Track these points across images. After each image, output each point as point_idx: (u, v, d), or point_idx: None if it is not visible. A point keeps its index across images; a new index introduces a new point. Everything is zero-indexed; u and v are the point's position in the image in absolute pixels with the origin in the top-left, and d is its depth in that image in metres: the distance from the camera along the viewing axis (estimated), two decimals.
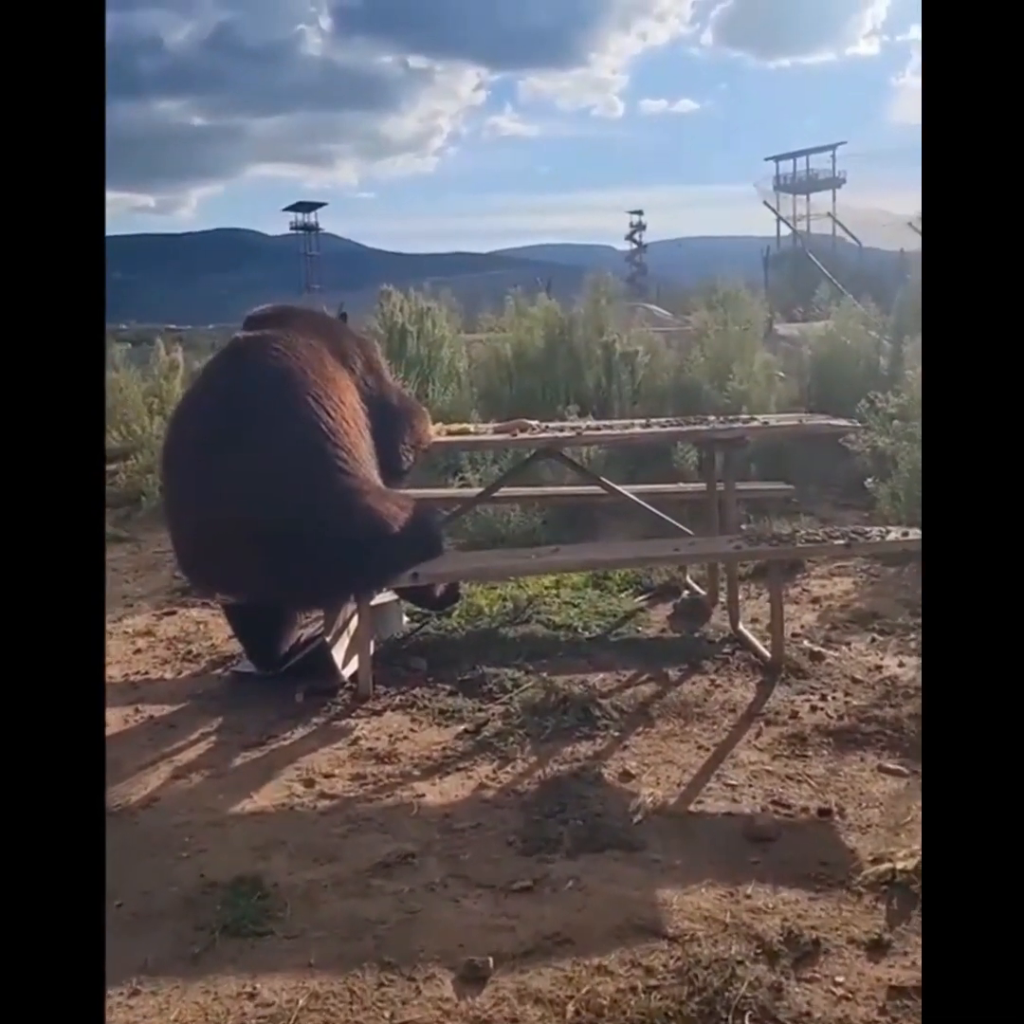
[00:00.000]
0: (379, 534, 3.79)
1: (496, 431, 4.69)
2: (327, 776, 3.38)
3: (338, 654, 4.05)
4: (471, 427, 4.83)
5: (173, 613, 5.16)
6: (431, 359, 9.05)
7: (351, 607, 4.11)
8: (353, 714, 3.88)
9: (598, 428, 4.69)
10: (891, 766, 3.29)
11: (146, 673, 4.42)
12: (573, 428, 4.69)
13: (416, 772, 3.38)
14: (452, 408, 8.15)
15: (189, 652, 4.64)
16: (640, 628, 4.74)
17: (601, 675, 4.15)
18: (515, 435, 4.55)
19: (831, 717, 3.68)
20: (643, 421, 4.82)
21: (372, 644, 4.30)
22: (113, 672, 4.42)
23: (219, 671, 4.39)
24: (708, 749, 3.47)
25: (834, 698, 3.85)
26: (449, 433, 4.72)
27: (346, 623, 4.16)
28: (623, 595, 5.17)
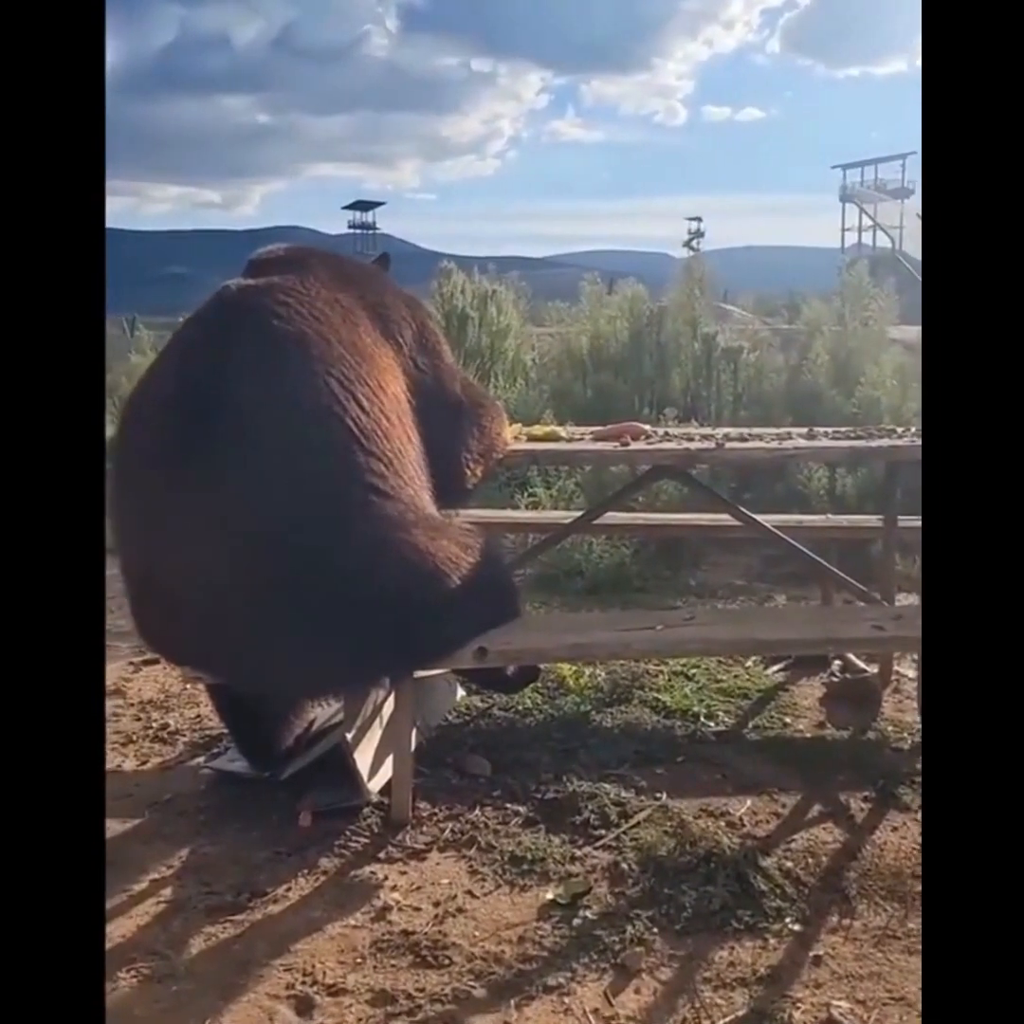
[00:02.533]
0: (429, 589, 2.48)
1: (597, 438, 3.35)
2: (333, 991, 2.08)
3: (364, 757, 2.74)
4: (562, 431, 3.49)
5: (155, 662, 3.87)
6: (494, 350, 7.77)
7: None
8: (382, 854, 2.58)
9: (739, 438, 3.34)
10: None
11: None
12: (706, 437, 3.34)
13: (478, 989, 2.07)
14: (518, 408, 6.84)
15: (164, 727, 3.37)
16: (787, 719, 3.39)
17: (748, 802, 2.81)
18: (625, 444, 3.22)
19: None
20: (804, 431, 3.46)
21: (414, 737, 3.00)
22: None
23: (200, 761, 3.11)
24: None
25: None
26: (532, 438, 3.38)
27: (377, 708, 2.85)
28: (751, 664, 3.83)
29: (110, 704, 3.56)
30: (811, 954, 2.18)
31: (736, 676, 3.72)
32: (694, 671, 3.73)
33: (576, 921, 2.28)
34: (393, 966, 2.15)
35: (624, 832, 2.64)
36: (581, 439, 3.38)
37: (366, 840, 2.64)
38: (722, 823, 2.68)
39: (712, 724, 3.34)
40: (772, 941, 2.22)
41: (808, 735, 3.28)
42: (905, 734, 3.21)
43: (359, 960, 2.17)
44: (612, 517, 3.76)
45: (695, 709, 3.41)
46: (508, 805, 2.80)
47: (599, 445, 3.27)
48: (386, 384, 2.62)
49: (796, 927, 2.26)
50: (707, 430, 3.62)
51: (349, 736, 2.68)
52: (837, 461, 4.71)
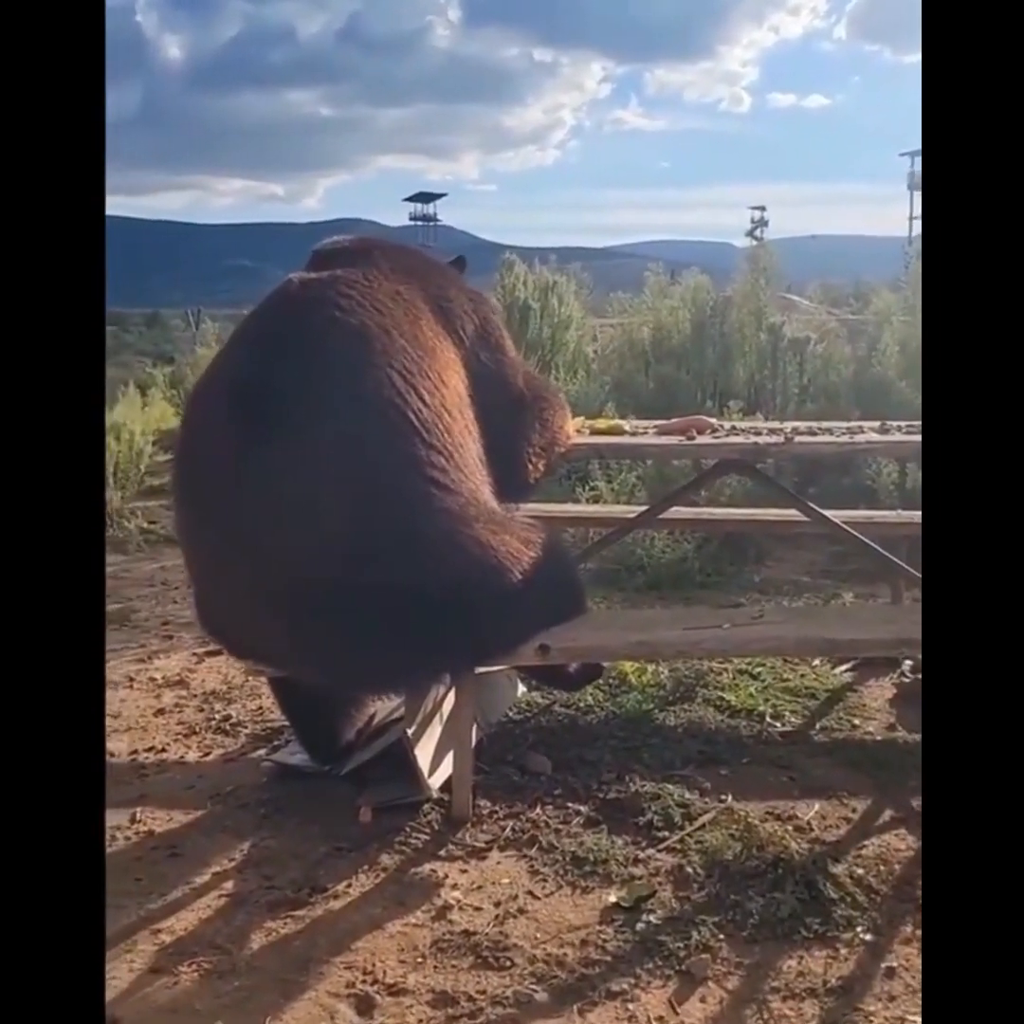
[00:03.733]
0: (491, 584, 2.44)
1: (661, 432, 3.29)
2: (393, 991, 2.05)
3: (424, 752, 2.72)
4: (625, 425, 3.43)
5: (218, 654, 3.88)
6: (556, 342, 7.72)
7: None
8: (443, 852, 2.55)
9: (807, 432, 3.25)
10: None
11: (163, 750, 3.17)
12: (774, 430, 3.27)
13: (540, 992, 2.04)
14: (579, 400, 6.78)
15: (227, 718, 3.37)
16: (856, 721, 3.31)
17: (816, 806, 2.74)
18: (691, 438, 3.15)
19: None
20: (877, 425, 3.36)
21: (474, 734, 2.97)
22: (119, 744, 3.18)
23: (261, 753, 3.10)
24: None
25: None
26: (595, 431, 3.33)
27: (437, 704, 2.82)
28: (818, 663, 3.74)
29: (173, 695, 3.58)
30: (884, 965, 2.11)
31: (803, 675, 3.64)
32: (759, 669, 3.65)
33: (639, 925, 2.24)
34: (454, 967, 2.12)
35: (688, 834, 2.59)
36: (644, 433, 3.32)
37: (426, 837, 2.62)
38: (790, 827, 2.62)
39: (778, 724, 3.26)
40: (843, 951, 2.15)
41: (878, 737, 3.19)
42: None
43: (420, 960, 2.14)
44: (675, 512, 3.69)
45: (761, 709, 3.34)
46: (569, 804, 2.76)
47: (664, 439, 3.21)
48: (447, 378, 2.58)
49: (868, 937, 2.19)
50: (774, 424, 3.54)
51: (410, 731, 2.66)
52: (911, 457, 4.59)
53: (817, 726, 3.26)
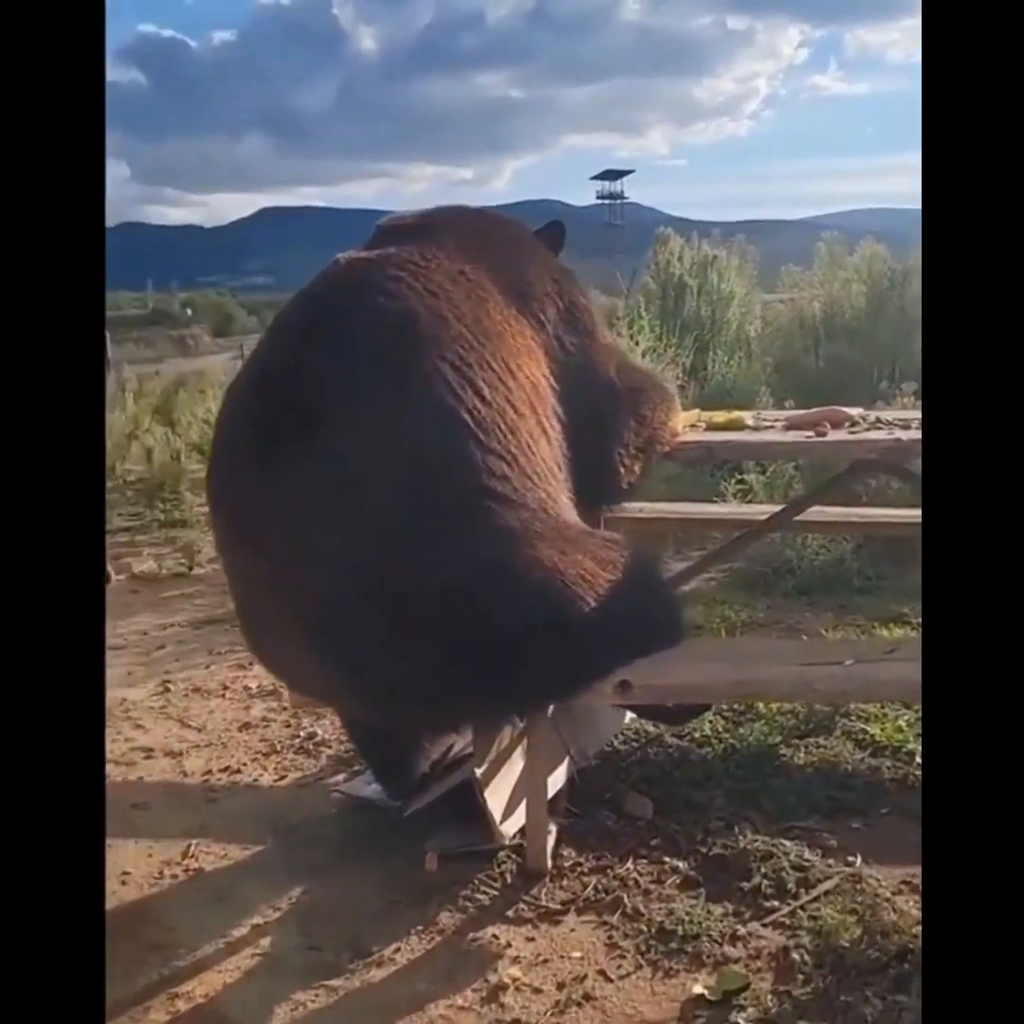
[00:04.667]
0: (559, 612, 2.09)
1: (791, 425, 2.84)
2: None
3: (497, 794, 2.40)
4: (748, 417, 3.00)
5: None
6: (714, 321, 7.23)
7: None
8: (511, 912, 2.23)
9: None
10: None
11: (238, 771, 2.95)
12: (899, 423, 2.77)
13: None
14: (736, 384, 6.32)
15: (311, 736, 3.14)
16: None
17: None
18: (821, 434, 2.70)
19: None
20: None
21: (567, 762, 2.64)
22: (196, 763, 2.99)
23: (335, 780, 2.85)
24: None
25: None
26: (712, 426, 2.91)
27: (516, 740, 2.49)
28: None
29: (263, 707, 3.38)
30: None
31: None
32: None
33: None
34: None
35: (801, 907, 2.18)
36: (771, 427, 2.88)
37: (496, 892, 2.30)
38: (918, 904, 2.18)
39: None
40: None
41: None
42: None
43: None
44: (817, 513, 3.24)
45: (911, 746, 2.86)
46: (666, 859, 2.39)
47: (790, 435, 2.76)
48: (518, 367, 2.23)
49: None
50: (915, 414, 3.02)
51: (479, 772, 2.34)
52: None
53: None
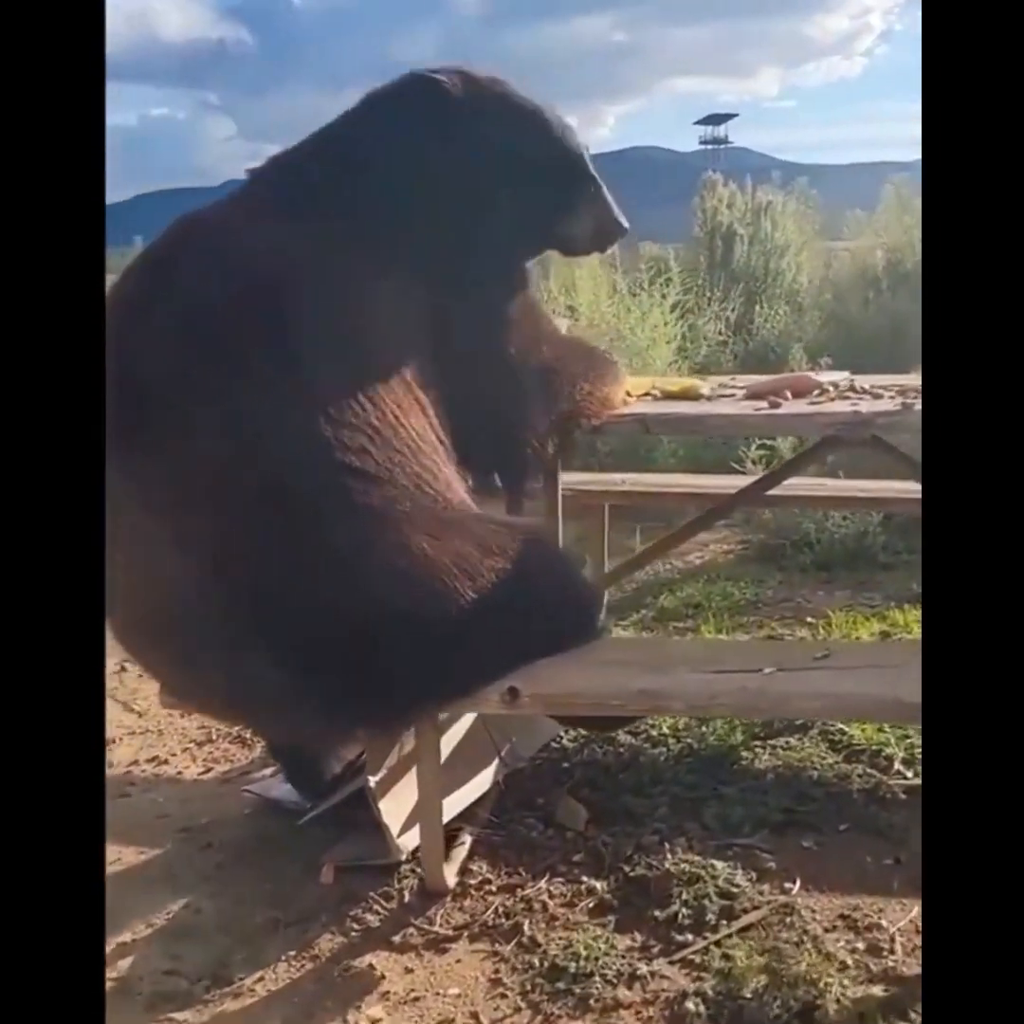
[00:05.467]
0: (429, 604, 1.85)
1: (752, 393, 2.53)
2: None
3: (399, 805, 2.19)
4: (704, 386, 2.68)
5: None
6: (767, 272, 6.82)
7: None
8: (398, 937, 2.03)
9: None
10: None
11: (165, 762, 2.80)
12: (901, 390, 2.44)
13: None
14: (781, 340, 5.95)
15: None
16: None
17: (915, 910, 2.01)
18: (775, 406, 2.39)
19: None
20: None
21: (496, 764, 2.44)
22: (123, 753, 2.85)
23: (256, 777, 2.68)
24: None
25: None
26: (667, 395, 2.61)
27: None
28: None
29: None
30: None
31: None
32: None
33: None
34: None
35: (716, 943, 1.94)
36: (731, 396, 2.58)
37: (387, 913, 2.10)
38: (859, 945, 1.91)
39: (909, 775, 2.49)
40: None
41: None
42: None
43: None
44: (795, 487, 2.93)
45: (890, 750, 2.57)
46: (585, 879, 2.16)
47: (740, 407, 2.45)
48: (381, 334, 1.98)
49: None
50: (901, 380, 2.65)
51: (374, 780, 2.13)
52: None
53: None
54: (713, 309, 6.16)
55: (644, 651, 2.19)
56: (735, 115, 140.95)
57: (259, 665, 1.84)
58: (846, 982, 1.77)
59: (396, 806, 2.18)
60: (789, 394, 2.44)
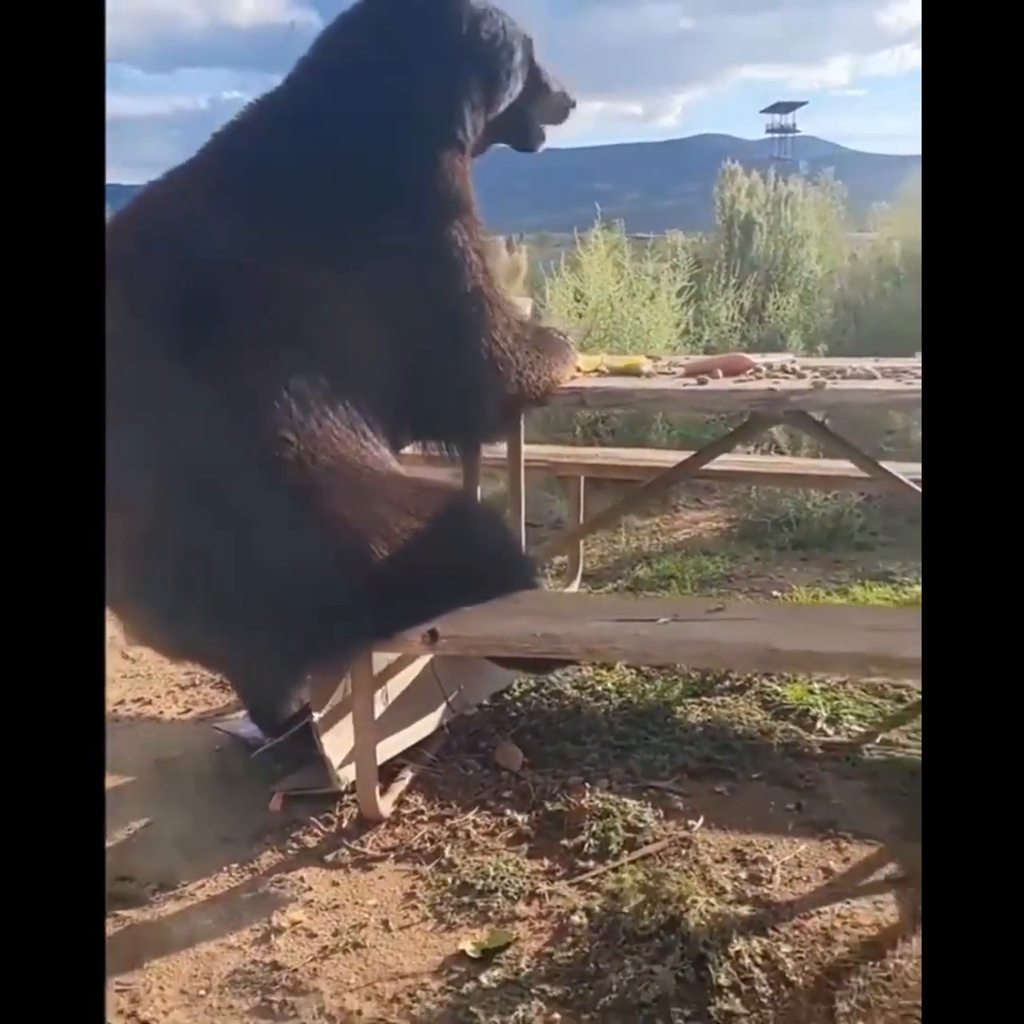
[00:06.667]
0: (357, 565, 2.06)
1: (689, 372, 2.70)
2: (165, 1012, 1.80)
3: (341, 740, 2.40)
4: (646, 363, 2.86)
5: None
6: (786, 262, 6.93)
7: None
8: (330, 857, 2.25)
9: (868, 373, 2.55)
10: None
11: (149, 702, 3.05)
12: (830, 371, 2.59)
13: None
14: (791, 327, 6.06)
15: None
16: None
17: (802, 847, 2.18)
18: (702, 383, 2.55)
19: None
20: None
21: (442, 709, 2.64)
22: (112, 693, 3.09)
23: (230, 717, 2.91)
24: None
25: None
26: (609, 372, 2.79)
27: (382, 677, 2.48)
28: None
29: None
30: None
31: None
32: None
33: (469, 985, 1.83)
34: (228, 1010, 1.82)
35: (614, 869, 2.13)
36: (670, 373, 2.75)
37: (325, 836, 2.32)
38: (742, 874, 2.09)
39: (830, 732, 2.66)
40: None
41: None
42: None
43: (200, 993, 1.86)
44: (726, 463, 3.11)
45: (817, 711, 2.74)
46: (508, 812, 2.36)
47: (672, 383, 2.62)
48: (317, 320, 2.17)
49: None
50: (857, 363, 2.79)
51: (317, 717, 2.35)
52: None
53: (880, 739, 2.63)
54: (729, 295, 6.29)
55: (563, 603, 2.39)
56: (803, 103, 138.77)
57: (206, 618, 2.07)
58: (713, 901, 1.96)
59: (338, 741, 2.39)
60: (720, 372, 2.61)
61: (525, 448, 3.19)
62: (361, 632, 2.13)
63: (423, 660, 2.64)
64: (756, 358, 2.77)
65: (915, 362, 2.70)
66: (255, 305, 2.11)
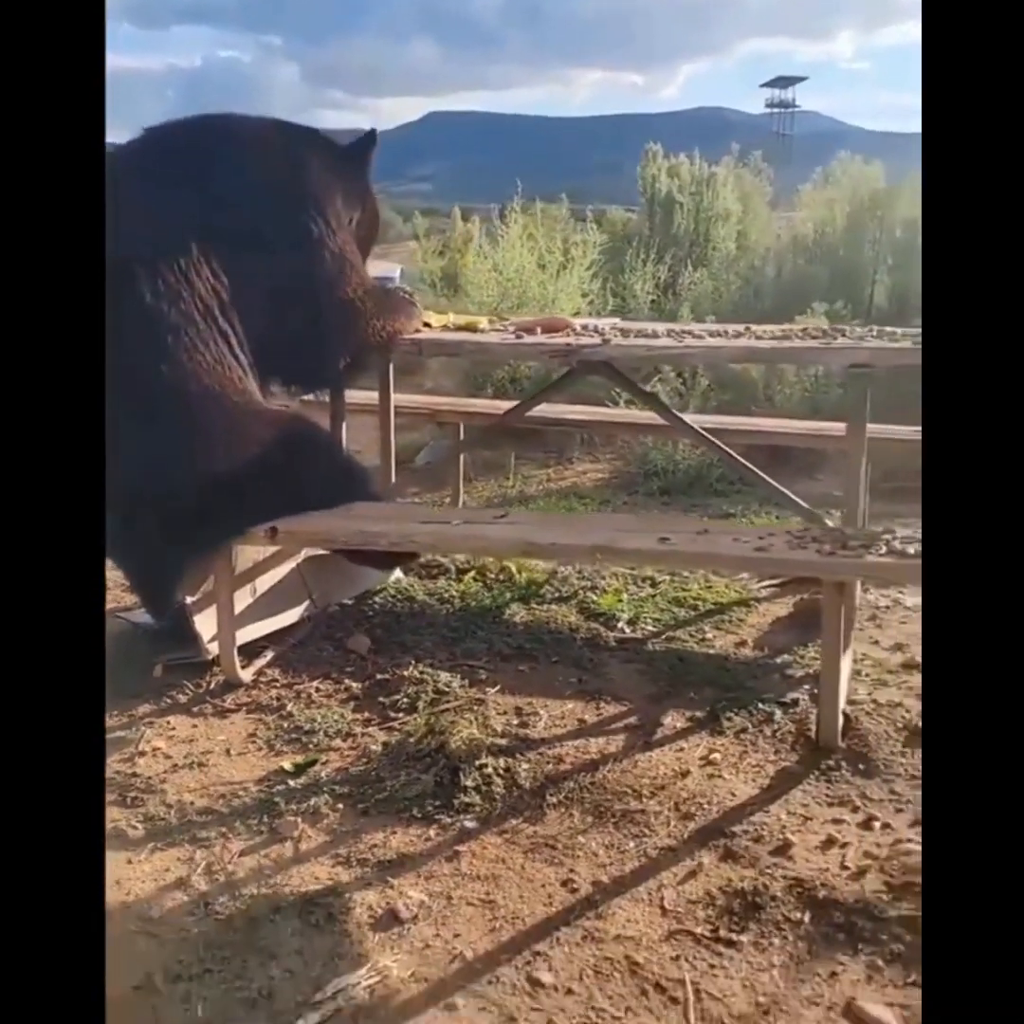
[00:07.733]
0: (219, 473, 2.65)
1: (518, 330, 3.26)
2: None
3: (210, 621, 2.96)
4: (483, 322, 3.42)
5: None
6: (709, 239, 7.46)
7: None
8: (196, 709, 2.81)
9: (656, 333, 3.11)
10: (871, 1010, 1.73)
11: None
12: (628, 333, 3.15)
13: (137, 829, 2.28)
14: (697, 300, 6.60)
15: None
16: (712, 635, 3.21)
17: (568, 706, 2.75)
18: (519, 337, 3.13)
19: (844, 871, 2.08)
20: (741, 328, 3.14)
21: (306, 604, 3.21)
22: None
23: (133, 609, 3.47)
24: (577, 887, 2.05)
25: (885, 828, 2.22)
26: (453, 328, 3.35)
27: (245, 573, 3.05)
28: (744, 579, 3.61)
29: None
30: (454, 849, 2.17)
31: (711, 588, 3.54)
32: (663, 580, 3.59)
33: (279, 787, 2.41)
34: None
35: (416, 717, 2.70)
36: (502, 331, 3.31)
37: (194, 694, 2.89)
38: (515, 721, 2.66)
39: (628, 631, 3.23)
40: (432, 831, 2.23)
41: (711, 651, 3.09)
42: (808, 662, 2.96)
43: None
44: (548, 411, 3.74)
45: (622, 615, 3.31)
46: (346, 681, 2.93)
47: (499, 338, 3.19)
48: (202, 268, 2.72)
49: (470, 823, 2.25)
50: (662, 327, 3.36)
51: (190, 601, 2.92)
52: (743, 360, 4.15)
53: (663, 636, 3.20)
54: (647, 270, 6.83)
55: (387, 511, 2.93)
56: (803, 78, 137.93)
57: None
58: (476, 732, 2.53)
59: (210, 621, 2.95)
60: (539, 330, 3.17)
61: (416, 398, 3.76)
62: (223, 529, 2.69)
63: (291, 562, 3.21)
64: (579, 321, 3.34)
65: (701, 326, 3.27)
66: (157, 261, 2.67)
